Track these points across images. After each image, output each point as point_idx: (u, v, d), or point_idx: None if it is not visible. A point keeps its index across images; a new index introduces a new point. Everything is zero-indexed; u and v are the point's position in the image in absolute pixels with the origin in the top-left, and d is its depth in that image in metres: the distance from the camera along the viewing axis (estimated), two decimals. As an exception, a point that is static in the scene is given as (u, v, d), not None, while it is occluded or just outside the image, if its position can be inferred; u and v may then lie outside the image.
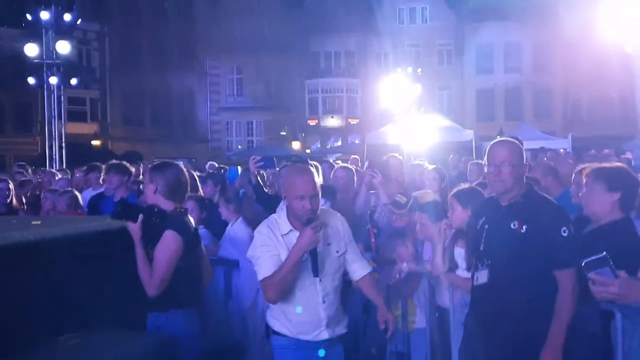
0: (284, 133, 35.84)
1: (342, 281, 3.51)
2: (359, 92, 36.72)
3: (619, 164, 3.83)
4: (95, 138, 32.01)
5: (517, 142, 3.37)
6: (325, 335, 3.34)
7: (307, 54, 36.76)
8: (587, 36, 28.12)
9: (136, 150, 26.99)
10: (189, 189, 3.82)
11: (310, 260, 3.22)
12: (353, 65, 36.99)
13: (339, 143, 33.82)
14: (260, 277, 3.26)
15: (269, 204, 5.25)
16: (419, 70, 29.58)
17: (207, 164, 13.19)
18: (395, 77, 24.35)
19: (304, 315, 3.31)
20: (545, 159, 9.80)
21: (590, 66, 32.27)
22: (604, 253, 2.24)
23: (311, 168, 5.01)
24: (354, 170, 6.67)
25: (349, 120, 36.48)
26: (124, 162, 6.65)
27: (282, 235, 3.34)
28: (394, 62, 29.55)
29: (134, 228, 3.41)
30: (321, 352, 3.33)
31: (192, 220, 3.66)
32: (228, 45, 35.62)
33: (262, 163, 5.58)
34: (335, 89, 37.02)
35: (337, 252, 3.44)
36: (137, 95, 34.27)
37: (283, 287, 3.22)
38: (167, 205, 3.54)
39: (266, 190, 5.81)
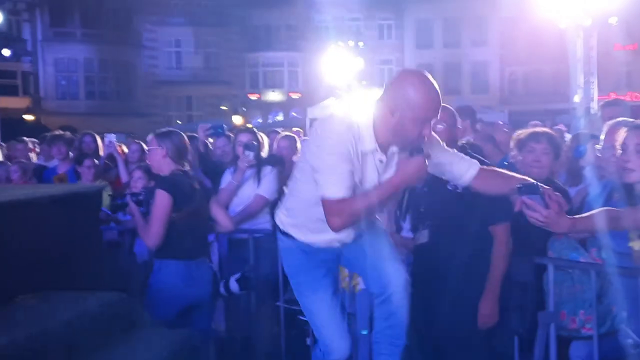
0: (225, 108, 35.50)
1: None
2: (300, 66, 36.64)
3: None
4: (28, 112, 30.93)
5: (450, 107, 3.59)
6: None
7: (248, 27, 36.36)
8: (523, 12, 28.83)
9: (70, 124, 26.16)
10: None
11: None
12: (294, 39, 36.82)
13: (281, 117, 33.77)
14: (329, 194, 2.58)
15: (215, 175, 5.29)
16: (360, 43, 29.72)
17: (148, 137, 13.00)
18: (336, 51, 24.46)
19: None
20: (478, 127, 10.14)
21: (526, 42, 33.12)
22: (535, 182, 2.53)
23: (260, 137, 5.11)
24: (296, 138, 6.74)
25: (290, 94, 36.42)
26: (68, 133, 6.62)
27: (361, 152, 2.64)
28: (335, 36, 29.58)
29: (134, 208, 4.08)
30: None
31: (191, 177, 4.04)
32: (166, 17, 34.89)
33: (212, 131, 5.59)
34: (276, 63, 36.83)
35: None
36: (71, 68, 33.22)
37: (355, 219, 2.68)
38: (171, 166, 3.96)
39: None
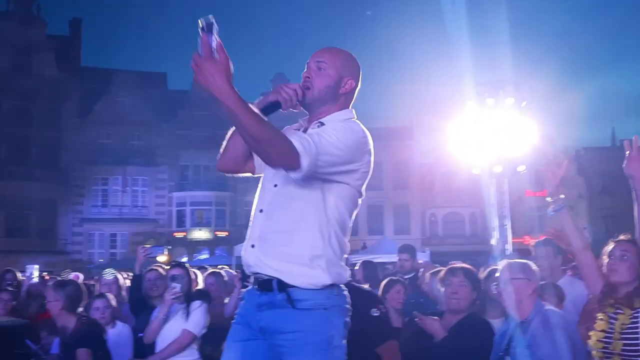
0: (147, 245, 35.02)
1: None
2: (228, 205, 37.07)
3: None
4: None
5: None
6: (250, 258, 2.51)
7: (176, 166, 36.93)
8: (440, 158, 30.62)
9: (-12, 262, 25.21)
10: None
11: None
12: (222, 179, 37.49)
13: (206, 255, 33.52)
14: None
15: (145, 308, 5.29)
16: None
17: (71, 274, 12.69)
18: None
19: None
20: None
21: (443, 186, 34.88)
22: None
23: (192, 273, 5.22)
24: (223, 274, 6.86)
25: (217, 232, 36.49)
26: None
27: None
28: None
29: None
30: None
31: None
32: (94, 155, 35.08)
33: (152, 251, 5.64)
34: (204, 202, 37.16)
35: None
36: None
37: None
38: (72, 317, 4.06)
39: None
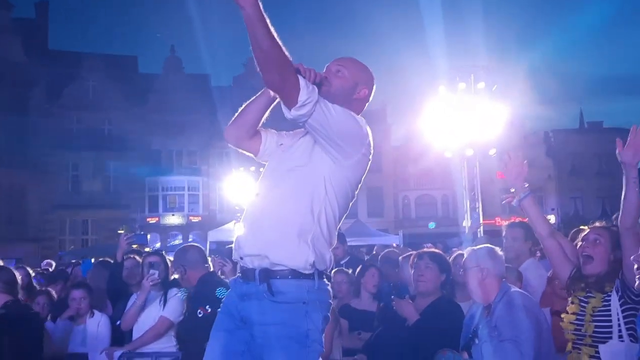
0: (122, 231, 34.75)
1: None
2: (201, 190, 36.91)
3: None
4: None
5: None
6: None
7: (148, 151, 36.56)
8: (412, 141, 30.82)
9: (-43, 251, 24.82)
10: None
11: None
12: (195, 164, 37.31)
13: (180, 240, 33.43)
14: None
15: (123, 296, 5.32)
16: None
17: (43, 262, 12.62)
18: (238, 176, 24.94)
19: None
20: (375, 251, 11.06)
21: (415, 169, 35.14)
22: None
23: (168, 260, 5.24)
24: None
25: (190, 217, 36.36)
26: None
27: None
28: (236, 162, 30.30)
29: None
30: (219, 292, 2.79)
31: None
32: (64, 140, 34.58)
33: (135, 239, 5.64)
34: (177, 187, 36.93)
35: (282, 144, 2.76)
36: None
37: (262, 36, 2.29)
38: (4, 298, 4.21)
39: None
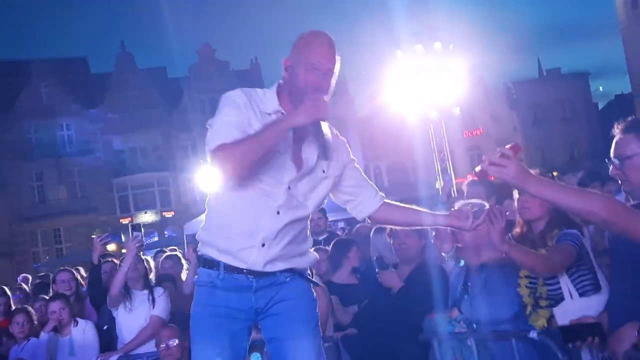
0: (95, 236, 34.28)
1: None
2: (171, 185, 36.49)
3: None
4: None
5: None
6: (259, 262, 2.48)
7: (111, 152, 35.97)
8: (376, 111, 30.84)
9: None
10: None
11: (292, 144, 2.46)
12: (160, 158, 36.82)
13: (156, 238, 33.12)
14: (214, 143, 2.38)
15: (97, 297, 5.23)
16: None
17: (20, 276, 12.33)
18: (205, 167, 24.73)
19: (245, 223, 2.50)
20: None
21: (383, 137, 35.21)
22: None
23: (146, 260, 5.15)
24: (179, 256, 6.80)
25: (164, 213, 35.99)
26: None
27: (261, 112, 2.47)
28: (203, 152, 30.04)
29: None
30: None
31: None
32: (24, 151, 33.83)
33: (109, 239, 5.55)
34: (146, 184, 36.45)
35: (324, 171, 2.59)
36: None
37: (247, 162, 2.34)
38: None
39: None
